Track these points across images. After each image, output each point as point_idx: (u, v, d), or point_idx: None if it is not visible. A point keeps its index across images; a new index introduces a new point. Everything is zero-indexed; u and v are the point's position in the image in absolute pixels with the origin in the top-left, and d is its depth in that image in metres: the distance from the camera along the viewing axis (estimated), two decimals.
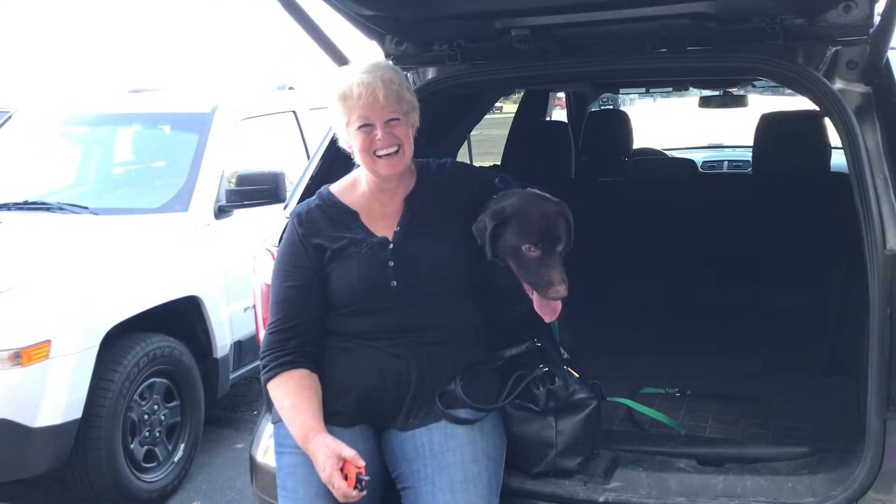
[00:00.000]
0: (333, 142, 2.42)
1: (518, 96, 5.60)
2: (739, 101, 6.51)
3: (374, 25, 2.70)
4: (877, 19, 2.28)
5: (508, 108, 7.14)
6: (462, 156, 4.21)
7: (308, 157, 3.51)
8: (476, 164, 4.80)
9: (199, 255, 4.28)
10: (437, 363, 2.23)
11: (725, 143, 7.28)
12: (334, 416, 2.20)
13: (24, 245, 4.06)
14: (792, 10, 2.34)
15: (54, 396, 3.45)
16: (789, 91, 2.61)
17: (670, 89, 6.84)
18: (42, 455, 3.49)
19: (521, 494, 2.27)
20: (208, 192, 4.47)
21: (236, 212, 4.48)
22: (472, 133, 4.44)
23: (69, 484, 3.75)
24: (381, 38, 2.77)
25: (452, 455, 2.15)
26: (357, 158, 2.27)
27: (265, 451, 2.55)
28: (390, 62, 2.57)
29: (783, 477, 2.20)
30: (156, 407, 3.97)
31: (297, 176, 2.95)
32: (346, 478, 2.03)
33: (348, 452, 2.05)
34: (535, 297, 2.25)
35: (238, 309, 4.46)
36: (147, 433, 3.92)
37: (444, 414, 2.20)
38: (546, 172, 4.10)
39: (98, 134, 5.27)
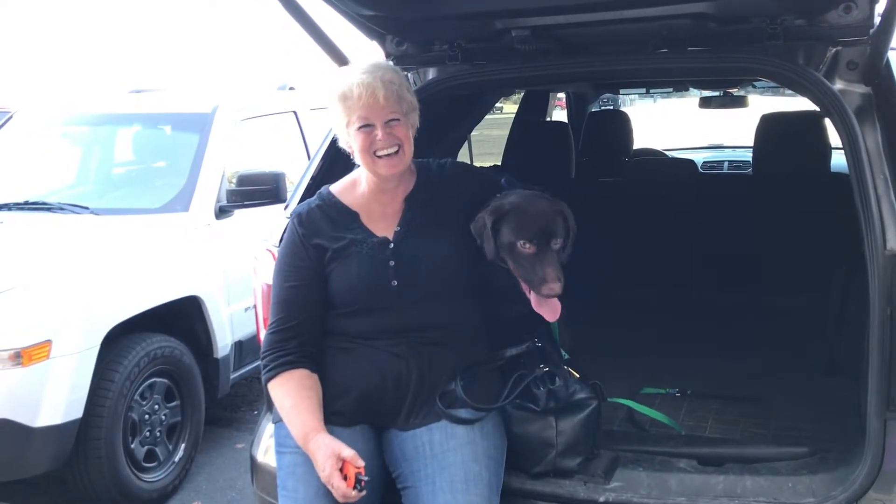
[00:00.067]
0: (334, 142, 2.42)
1: (518, 97, 5.60)
2: (740, 102, 6.52)
3: (375, 26, 2.70)
4: (877, 20, 2.28)
5: (509, 108, 7.14)
6: (462, 156, 4.21)
7: (308, 158, 3.51)
8: (476, 164, 4.81)
9: (199, 255, 4.28)
10: (437, 363, 2.23)
11: (726, 144, 7.28)
12: (334, 416, 2.20)
13: (25, 245, 4.06)
14: (792, 11, 2.34)
15: (55, 396, 3.45)
16: (789, 91, 2.61)
17: (670, 90, 6.84)
18: (42, 455, 3.49)
19: (521, 494, 2.27)
20: (209, 192, 4.47)
21: (237, 212, 4.48)
22: (472, 133, 4.44)
23: (69, 484, 3.75)
24: (381, 39, 2.77)
25: (453, 455, 2.15)
26: (357, 159, 2.27)
27: (266, 451, 2.55)
28: (390, 62, 2.57)
29: (783, 477, 2.21)
30: (156, 407, 3.97)
31: (297, 176, 2.95)
32: (345, 478, 2.03)
33: (347, 452, 2.06)
34: (532, 296, 2.25)
35: (239, 309, 4.46)
36: (147, 433, 3.92)
37: (444, 414, 2.20)
38: (546, 173, 4.11)
39: (99, 134, 5.27)
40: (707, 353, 3.29)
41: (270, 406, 2.37)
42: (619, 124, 5.12)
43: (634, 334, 3.49)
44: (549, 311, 2.25)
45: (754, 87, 6.38)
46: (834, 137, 3.15)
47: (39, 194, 4.66)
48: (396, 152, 2.22)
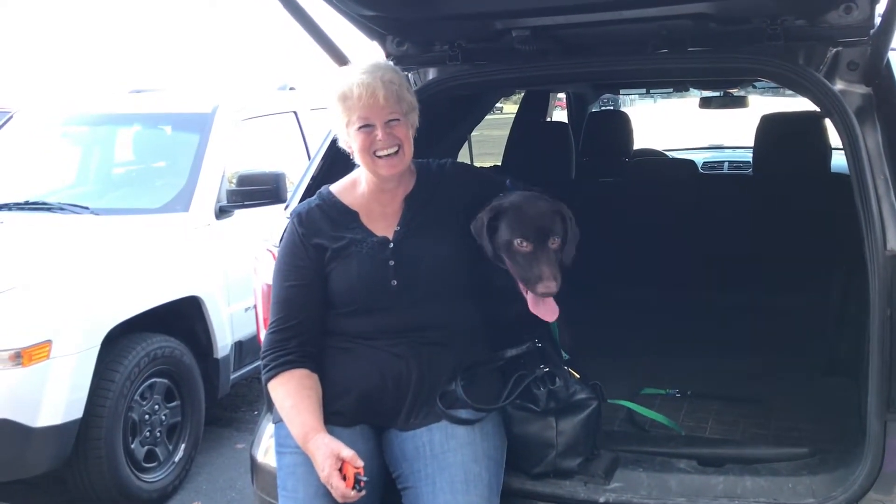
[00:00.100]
0: (334, 142, 2.42)
1: (518, 97, 5.60)
2: (740, 102, 6.51)
3: (375, 26, 2.70)
4: (877, 20, 2.28)
5: (509, 108, 7.14)
6: (463, 156, 4.21)
7: (309, 158, 3.51)
8: (477, 164, 4.80)
9: (199, 255, 4.28)
10: (437, 363, 2.23)
11: (726, 144, 7.28)
12: (334, 416, 2.20)
13: (25, 245, 4.06)
14: (792, 11, 2.34)
15: (55, 396, 3.45)
16: (790, 92, 2.61)
17: (671, 90, 6.84)
18: (42, 455, 3.49)
19: (521, 495, 2.27)
20: (209, 192, 4.47)
21: (237, 212, 4.48)
22: (472, 134, 4.44)
23: (69, 484, 3.76)
24: (381, 39, 2.77)
25: (453, 455, 2.15)
26: (357, 159, 2.27)
27: (266, 452, 2.55)
28: (390, 62, 2.57)
29: (783, 478, 2.21)
30: (156, 407, 3.97)
31: (297, 176, 2.95)
32: (344, 478, 2.03)
33: (347, 452, 2.06)
34: (528, 296, 2.25)
35: (239, 309, 4.46)
36: (148, 433, 3.92)
37: (444, 414, 2.20)
38: (546, 173, 4.10)
39: (99, 134, 5.27)
40: (707, 354, 3.29)
41: (270, 406, 2.37)
42: (620, 125, 5.12)
43: (634, 334, 3.49)
44: (546, 311, 2.24)
45: (754, 87, 6.38)
46: (834, 138, 3.15)
47: (39, 194, 4.66)
48: (396, 152, 2.22)
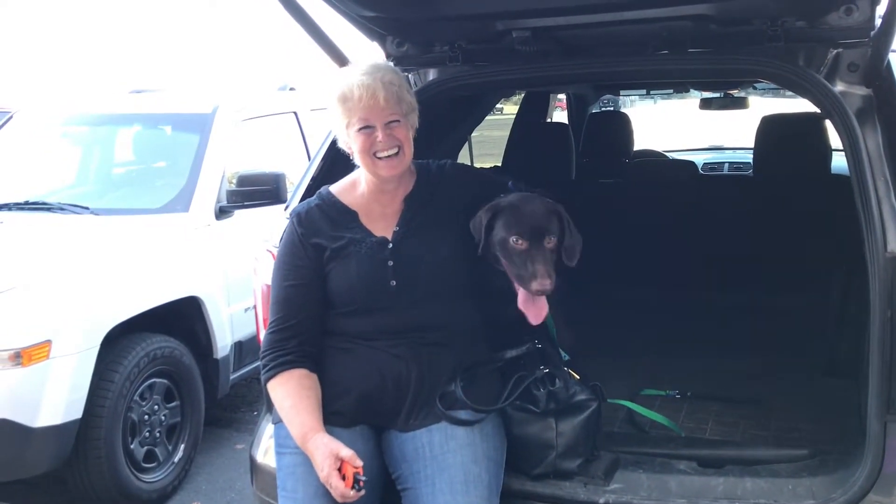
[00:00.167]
0: (334, 143, 2.42)
1: (519, 98, 5.60)
2: (740, 104, 6.52)
3: (375, 27, 2.70)
4: (878, 22, 2.28)
5: (509, 109, 7.14)
6: (463, 157, 4.21)
7: (309, 158, 3.51)
8: (477, 165, 4.81)
9: (199, 255, 4.28)
10: (436, 364, 2.23)
11: (726, 145, 7.28)
12: (334, 417, 2.20)
13: (25, 245, 4.06)
14: (793, 13, 2.34)
15: (54, 396, 3.45)
16: (790, 93, 2.61)
17: (671, 91, 6.84)
18: (42, 455, 3.49)
19: (521, 496, 2.27)
20: (209, 192, 4.47)
21: (237, 212, 4.48)
22: (472, 134, 4.44)
23: (69, 484, 3.75)
24: (382, 40, 2.77)
25: (453, 456, 2.15)
26: (357, 160, 2.27)
27: (265, 452, 2.55)
28: (390, 63, 2.57)
29: (783, 479, 2.21)
30: (156, 407, 3.97)
31: (297, 177, 2.95)
32: (343, 478, 2.03)
33: (346, 452, 2.05)
34: (520, 294, 2.24)
35: (238, 309, 4.46)
36: (147, 433, 3.92)
37: (444, 415, 2.20)
38: (547, 174, 4.11)
39: (99, 134, 5.27)
40: (707, 354, 3.29)
41: (270, 407, 2.37)
42: (620, 125, 5.13)
43: (635, 334, 3.49)
44: (535, 311, 2.24)
45: (755, 88, 6.38)
46: (834, 139, 3.15)
47: (39, 194, 4.65)
48: (396, 153, 2.22)
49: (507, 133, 4.85)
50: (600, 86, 5.58)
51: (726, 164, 6.44)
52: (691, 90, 6.32)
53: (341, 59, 2.62)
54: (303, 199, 2.55)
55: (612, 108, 8.59)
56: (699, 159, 6.20)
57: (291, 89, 5.96)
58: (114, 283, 3.79)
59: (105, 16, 28.93)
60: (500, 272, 2.29)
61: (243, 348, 4.55)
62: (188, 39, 29.65)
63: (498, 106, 5.16)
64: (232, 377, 4.52)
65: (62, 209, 4.42)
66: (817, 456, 2.33)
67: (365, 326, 2.24)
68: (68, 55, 24.43)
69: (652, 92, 7.27)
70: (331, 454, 2.06)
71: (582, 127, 5.32)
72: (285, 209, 2.72)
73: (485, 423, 2.22)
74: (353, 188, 2.36)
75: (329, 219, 2.30)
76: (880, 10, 2.24)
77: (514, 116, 5.37)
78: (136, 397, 3.84)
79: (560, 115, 6.85)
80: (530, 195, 2.34)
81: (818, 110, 2.38)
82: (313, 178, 2.69)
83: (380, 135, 2.20)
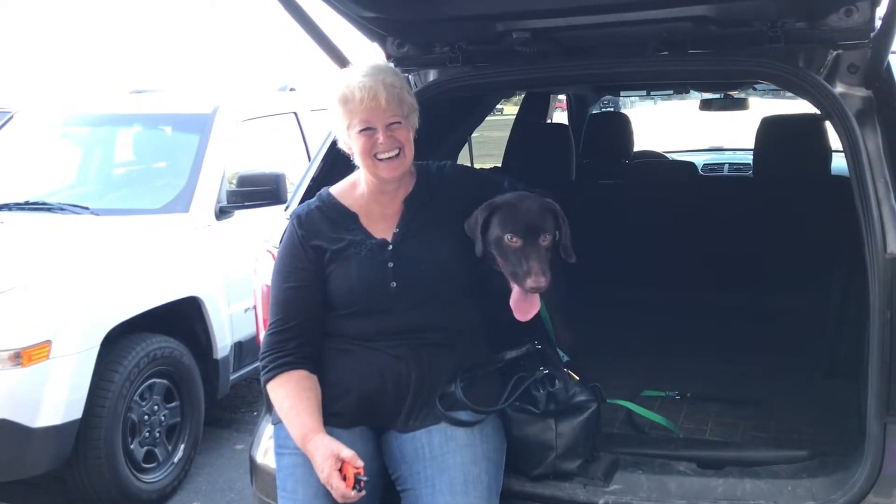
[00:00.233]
0: (334, 144, 2.42)
1: (519, 98, 5.60)
2: (740, 105, 6.52)
3: (376, 27, 2.70)
4: (878, 23, 2.28)
5: (509, 110, 7.14)
6: (463, 158, 4.21)
7: (309, 159, 3.51)
8: (477, 165, 4.81)
9: (199, 255, 4.28)
10: (436, 365, 2.23)
11: (726, 146, 7.28)
12: (334, 418, 2.20)
13: (25, 245, 4.06)
14: (793, 14, 2.34)
15: (54, 397, 3.45)
16: (790, 94, 2.62)
17: (671, 92, 6.84)
18: (42, 455, 3.49)
19: (521, 497, 2.27)
20: (209, 192, 4.47)
21: (237, 213, 4.48)
22: (472, 135, 4.44)
23: (69, 484, 3.75)
24: (382, 40, 2.77)
25: (452, 457, 2.15)
26: (357, 161, 2.27)
27: (265, 453, 2.55)
28: (390, 65, 2.57)
29: (783, 480, 2.21)
30: (156, 407, 3.97)
31: (297, 177, 2.95)
32: (344, 478, 2.03)
33: (346, 453, 2.06)
34: (514, 291, 2.24)
35: (238, 310, 4.46)
36: (147, 434, 3.92)
37: (444, 416, 2.20)
38: (547, 174, 4.11)
39: (99, 134, 5.27)
40: (707, 354, 3.29)
41: (270, 407, 2.37)
42: (620, 126, 5.13)
43: (634, 335, 3.49)
44: (525, 307, 2.23)
45: (755, 89, 6.38)
46: (834, 140, 3.15)
47: (40, 194, 4.65)
48: (397, 155, 2.22)
49: (507, 134, 4.85)
50: (600, 87, 5.58)
51: (726, 165, 6.45)
52: (691, 91, 6.33)
53: (342, 60, 2.62)
54: (303, 199, 2.55)
55: (612, 109, 8.59)
56: (699, 160, 6.21)
57: (292, 90, 5.96)
58: (114, 284, 3.79)
59: (105, 16, 28.96)
60: (500, 273, 2.30)
61: (243, 349, 4.55)
62: (188, 39, 29.69)
63: (498, 107, 5.17)
64: (232, 377, 4.52)
65: (62, 209, 4.42)
66: (817, 457, 2.33)
67: (365, 328, 2.24)
68: (68, 55, 24.45)
69: (652, 93, 7.28)
70: (331, 455, 2.06)
71: (582, 128, 5.33)
72: (285, 210, 2.72)
73: (484, 424, 2.22)
74: (352, 189, 2.36)
75: (329, 221, 2.30)
76: (880, 11, 2.24)
77: (514, 117, 5.37)
78: (136, 397, 3.84)
79: (560, 116, 6.86)
80: (525, 193, 2.35)
81: (818, 111, 2.38)
82: (313, 179, 2.69)
83: (381, 136, 2.20)
